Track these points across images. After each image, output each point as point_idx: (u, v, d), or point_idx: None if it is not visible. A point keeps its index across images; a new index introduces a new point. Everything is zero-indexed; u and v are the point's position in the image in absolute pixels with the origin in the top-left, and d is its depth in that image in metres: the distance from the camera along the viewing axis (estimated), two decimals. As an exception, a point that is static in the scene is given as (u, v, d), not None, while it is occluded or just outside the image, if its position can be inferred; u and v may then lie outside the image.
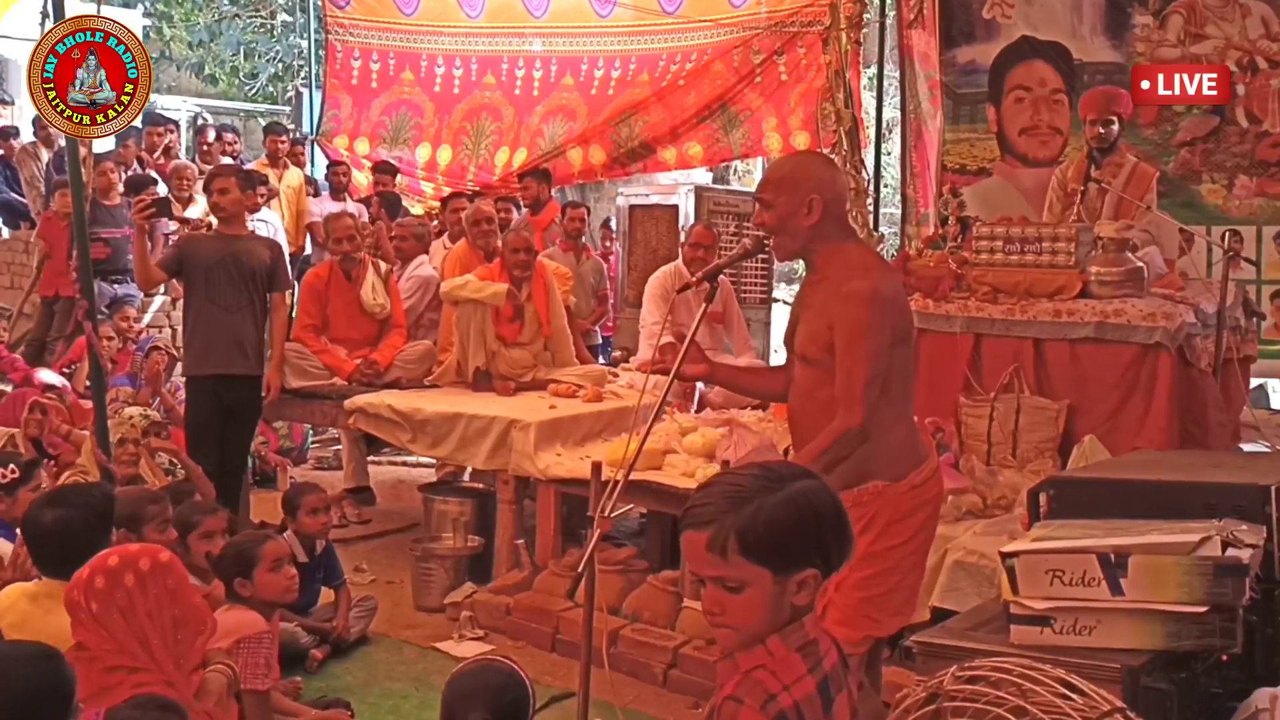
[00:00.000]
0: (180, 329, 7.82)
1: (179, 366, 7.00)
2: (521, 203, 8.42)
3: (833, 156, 6.90)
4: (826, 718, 1.77)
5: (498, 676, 2.66)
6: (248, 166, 9.32)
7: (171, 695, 2.49)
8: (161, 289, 8.13)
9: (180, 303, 7.79)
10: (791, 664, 1.76)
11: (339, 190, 9.11)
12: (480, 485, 5.83)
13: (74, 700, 2.26)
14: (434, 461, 6.48)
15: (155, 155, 9.39)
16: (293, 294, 6.24)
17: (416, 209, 9.38)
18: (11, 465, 3.99)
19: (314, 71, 10.81)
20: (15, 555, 3.42)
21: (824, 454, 2.79)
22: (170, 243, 7.80)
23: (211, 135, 10.04)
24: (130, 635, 2.59)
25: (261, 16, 16.93)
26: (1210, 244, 6.08)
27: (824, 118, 7.74)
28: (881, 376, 2.81)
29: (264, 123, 12.11)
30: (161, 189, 8.48)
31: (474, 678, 2.68)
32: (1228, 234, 5.15)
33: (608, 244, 8.62)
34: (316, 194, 9.26)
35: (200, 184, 7.80)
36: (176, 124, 10.68)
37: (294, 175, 9.20)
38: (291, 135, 9.95)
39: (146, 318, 8.13)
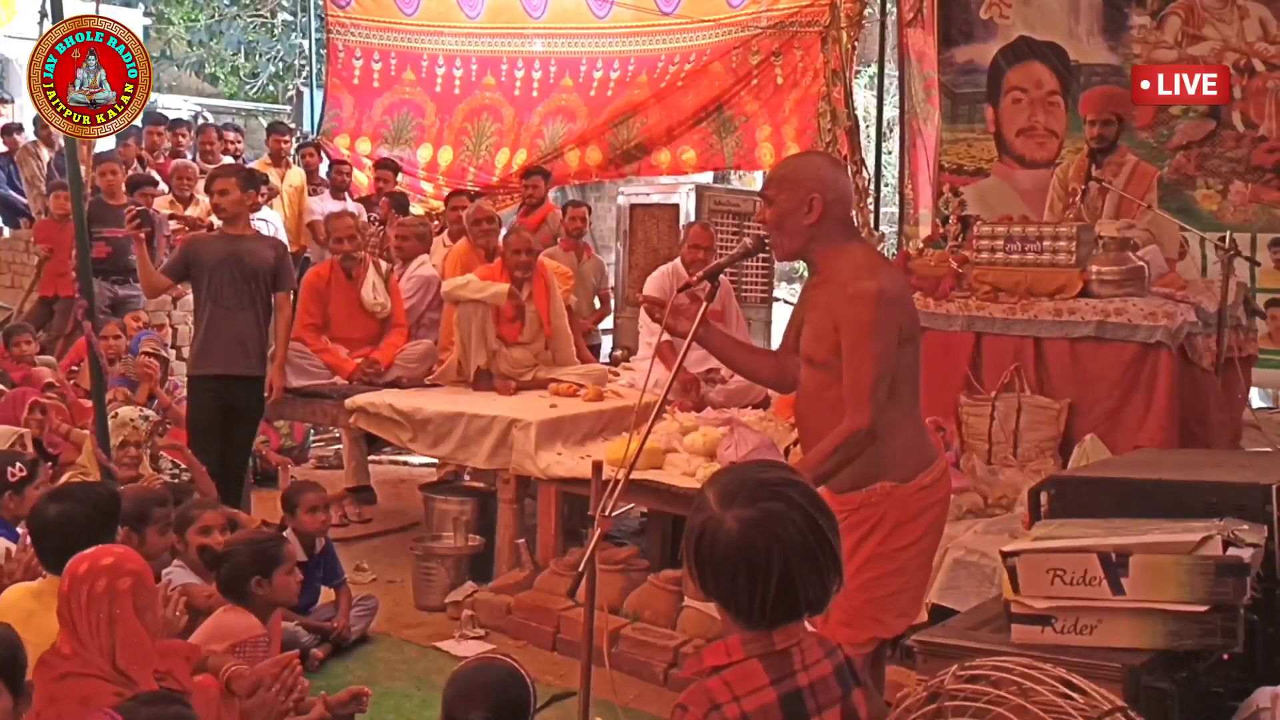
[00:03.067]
0: (180, 328, 7.89)
1: (175, 366, 7.02)
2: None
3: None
4: None
5: (499, 674, 2.65)
6: (249, 165, 9.32)
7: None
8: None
9: (180, 302, 7.83)
10: (749, 672, 1.76)
11: (340, 189, 9.10)
12: (481, 484, 5.83)
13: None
14: (435, 461, 6.49)
15: (156, 155, 9.38)
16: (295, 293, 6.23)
17: (417, 209, 9.37)
18: (19, 464, 3.99)
19: (315, 71, 10.81)
20: (19, 553, 3.42)
21: (832, 455, 2.78)
22: (171, 242, 7.82)
23: (213, 134, 10.01)
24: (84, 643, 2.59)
25: (262, 16, 16.94)
26: (1211, 244, 6.05)
27: (821, 116, 7.73)
28: (889, 377, 2.80)
29: (264, 122, 12.09)
30: (163, 188, 8.50)
31: (475, 675, 2.66)
32: (1230, 234, 5.15)
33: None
34: (317, 191, 9.25)
35: (202, 183, 7.81)
36: (187, 124, 10.66)
37: (296, 174, 9.19)
38: (304, 139, 9.91)
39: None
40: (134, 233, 5.27)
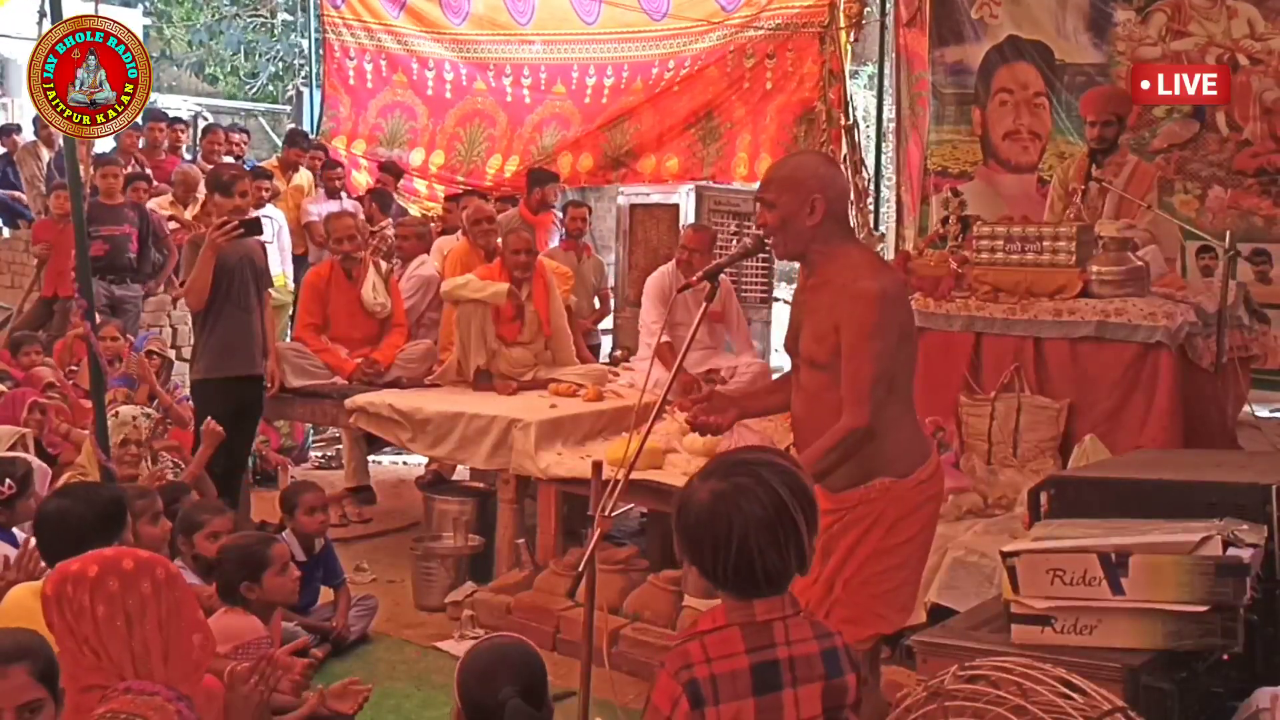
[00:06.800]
0: (180, 328, 7.88)
1: (175, 367, 7.01)
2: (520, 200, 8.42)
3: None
4: (757, 700, 1.87)
5: (518, 651, 2.50)
6: (261, 164, 9.32)
7: (154, 708, 2.42)
8: (161, 287, 8.14)
9: (180, 302, 7.81)
10: (727, 639, 1.91)
11: (333, 194, 9.07)
12: (481, 484, 5.83)
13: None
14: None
15: (155, 153, 9.36)
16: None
17: (413, 209, 9.36)
18: (8, 481, 3.93)
19: (314, 71, 10.80)
20: (20, 555, 3.41)
21: (829, 453, 2.81)
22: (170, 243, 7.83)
23: (221, 136, 9.98)
24: (122, 648, 2.45)
25: (262, 16, 16.94)
26: (1192, 251, 6.03)
27: (818, 116, 7.70)
28: (888, 376, 2.83)
29: (264, 122, 12.08)
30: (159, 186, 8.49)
31: (494, 655, 2.48)
32: (1229, 234, 5.14)
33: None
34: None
35: (203, 184, 7.79)
36: (186, 123, 10.64)
37: (302, 176, 9.17)
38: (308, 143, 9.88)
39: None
40: (222, 241, 5.06)
